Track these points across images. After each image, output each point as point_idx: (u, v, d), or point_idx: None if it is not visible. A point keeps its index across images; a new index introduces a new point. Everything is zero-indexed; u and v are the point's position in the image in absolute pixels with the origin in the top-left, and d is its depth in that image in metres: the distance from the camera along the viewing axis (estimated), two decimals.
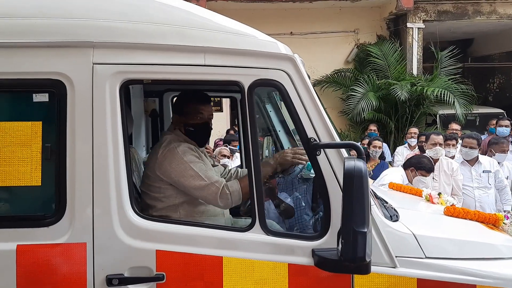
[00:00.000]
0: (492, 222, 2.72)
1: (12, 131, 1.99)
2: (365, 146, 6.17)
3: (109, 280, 1.96)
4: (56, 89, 2.00)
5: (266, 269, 2.04)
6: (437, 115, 10.73)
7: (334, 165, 2.07)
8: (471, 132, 6.50)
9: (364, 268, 1.89)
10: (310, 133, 2.08)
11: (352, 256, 1.77)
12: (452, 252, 2.20)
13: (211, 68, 2.06)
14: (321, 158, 2.07)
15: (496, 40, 14.09)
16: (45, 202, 2.05)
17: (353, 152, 1.96)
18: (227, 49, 2.07)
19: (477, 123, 11.35)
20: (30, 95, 2.02)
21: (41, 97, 2.03)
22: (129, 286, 1.98)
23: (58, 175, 1.98)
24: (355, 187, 1.78)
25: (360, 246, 1.77)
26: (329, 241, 2.05)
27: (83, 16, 2.03)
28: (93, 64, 2.01)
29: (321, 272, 2.02)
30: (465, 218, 2.71)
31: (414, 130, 7.58)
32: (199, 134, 2.56)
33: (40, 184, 1.99)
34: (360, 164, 1.81)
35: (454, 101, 9.75)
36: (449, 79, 10.42)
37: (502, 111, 11.27)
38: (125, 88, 2.07)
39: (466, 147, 5.20)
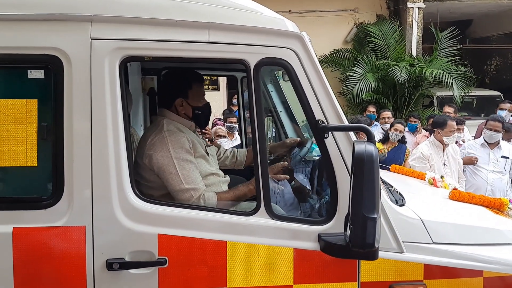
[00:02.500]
0: (497, 206, 2.68)
1: (5, 109, 1.90)
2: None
3: (109, 264, 1.90)
4: (52, 65, 1.90)
5: (271, 254, 1.99)
6: (435, 97, 10.66)
7: (342, 148, 2.00)
8: (495, 115, 6.42)
9: (371, 254, 1.83)
10: (318, 115, 2.00)
11: (361, 242, 1.72)
12: (459, 237, 2.16)
13: (215, 45, 1.96)
14: (329, 141, 2.00)
15: (495, 21, 13.95)
16: (42, 183, 1.97)
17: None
18: (233, 25, 1.97)
19: (474, 105, 11.32)
20: (24, 72, 1.93)
21: (37, 74, 1.93)
22: (130, 270, 1.92)
23: (55, 155, 1.90)
24: (365, 171, 1.71)
25: (369, 232, 1.71)
26: (335, 226, 2.00)
27: None
28: (91, 39, 1.91)
29: (327, 257, 1.97)
30: (470, 203, 2.67)
31: (387, 114, 7.13)
32: (203, 117, 2.50)
33: (36, 165, 1.91)
34: (370, 147, 1.74)
35: (452, 83, 9.66)
36: (448, 61, 10.31)
37: (499, 93, 11.22)
38: (125, 65, 1.97)
39: (491, 130, 5.13)
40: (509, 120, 6.83)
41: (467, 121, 8.45)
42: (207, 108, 2.50)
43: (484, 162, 5.16)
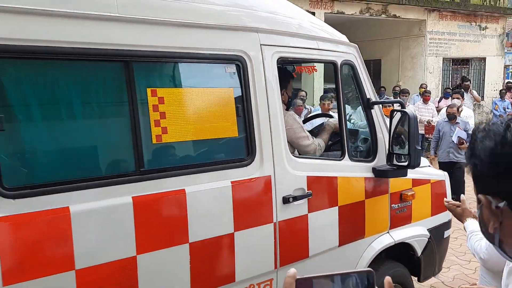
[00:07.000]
0: None
1: (215, 95, 2.54)
2: None
3: (285, 199, 2.77)
4: (240, 62, 2.63)
5: (355, 182, 3.22)
6: None
7: (378, 115, 3.38)
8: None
9: (405, 173, 3.32)
10: (368, 95, 3.32)
11: (417, 163, 3.17)
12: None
13: (321, 51, 3.04)
14: (372, 111, 3.35)
15: None
16: (242, 149, 2.66)
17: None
18: (329, 38, 3.09)
19: None
20: (222, 67, 2.58)
21: (230, 69, 2.61)
22: (293, 202, 2.84)
23: (248, 129, 2.64)
24: (415, 125, 3.16)
25: (419, 157, 3.18)
26: (378, 162, 3.37)
27: (251, 7, 2.70)
28: (261, 45, 2.72)
29: (376, 180, 3.33)
30: None
31: None
32: (290, 104, 3.46)
33: (237, 135, 2.61)
34: (412, 112, 3.20)
35: None
36: None
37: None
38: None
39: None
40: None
41: None
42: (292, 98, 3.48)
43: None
